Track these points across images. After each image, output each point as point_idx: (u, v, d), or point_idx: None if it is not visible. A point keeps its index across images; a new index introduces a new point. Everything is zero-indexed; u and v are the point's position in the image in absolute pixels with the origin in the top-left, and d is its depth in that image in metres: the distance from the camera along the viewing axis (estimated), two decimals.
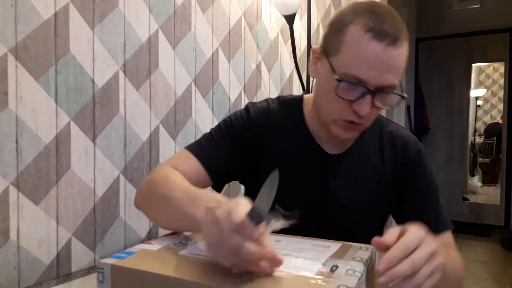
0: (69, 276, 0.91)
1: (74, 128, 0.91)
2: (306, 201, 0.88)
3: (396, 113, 3.75)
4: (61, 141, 0.89)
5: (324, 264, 0.47)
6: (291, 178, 0.86)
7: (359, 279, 0.43)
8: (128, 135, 1.05)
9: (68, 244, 0.91)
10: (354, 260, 0.49)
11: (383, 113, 1.29)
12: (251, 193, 0.90)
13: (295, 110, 0.92)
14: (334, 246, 0.55)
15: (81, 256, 0.94)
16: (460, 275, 0.80)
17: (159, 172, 0.80)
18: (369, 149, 0.91)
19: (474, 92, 5.38)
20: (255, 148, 0.89)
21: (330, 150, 0.89)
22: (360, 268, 0.46)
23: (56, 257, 0.88)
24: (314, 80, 0.88)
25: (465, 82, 4.78)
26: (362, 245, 0.56)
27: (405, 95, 0.78)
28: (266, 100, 0.94)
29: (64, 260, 0.90)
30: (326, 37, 0.80)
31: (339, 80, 0.73)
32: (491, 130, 5.26)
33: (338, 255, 0.51)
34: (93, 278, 0.94)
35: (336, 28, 0.76)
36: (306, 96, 0.95)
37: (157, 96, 1.13)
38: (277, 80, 1.74)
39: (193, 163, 0.85)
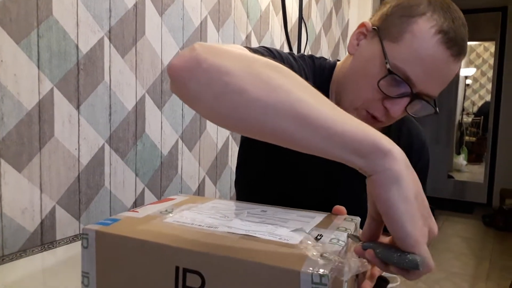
0: (53, 244, 0.90)
1: (57, 94, 0.89)
2: (314, 186, 0.83)
3: None
4: (44, 107, 0.87)
5: (308, 233, 0.47)
6: (299, 156, 0.82)
7: (342, 248, 0.44)
8: (113, 104, 1.03)
9: (52, 212, 0.90)
10: (339, 230, 0.49)
11: None
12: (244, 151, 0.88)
13: (324, 80, 0.80)
14: (319, 216, 0.55)
15: (65, 224, 0.93)
16: None
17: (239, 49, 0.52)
18: None
19: (463, 71, 5.40)
20: None
21: None
22: (343, 237, 0.46)
23: (40, 225, 0.88)
24: (348, 56, 0.77)
25: None
26: (346, 216, 0.57)
27: (437, 110, 0.72)
28: (303, 58, 0.81)
29: (48, 228, 0.89)
30: (387, 17, 0.70)
31: (389, 71, 0.66)
32: (483, 108, 5.31)
33: (323, 225, 0.51)
34: (77, 246, 0.94)
35: (403, 14, 0.68)
36: (338, 64, 0.81)
37: (143, 65, 1.11)
38: None
39: None
